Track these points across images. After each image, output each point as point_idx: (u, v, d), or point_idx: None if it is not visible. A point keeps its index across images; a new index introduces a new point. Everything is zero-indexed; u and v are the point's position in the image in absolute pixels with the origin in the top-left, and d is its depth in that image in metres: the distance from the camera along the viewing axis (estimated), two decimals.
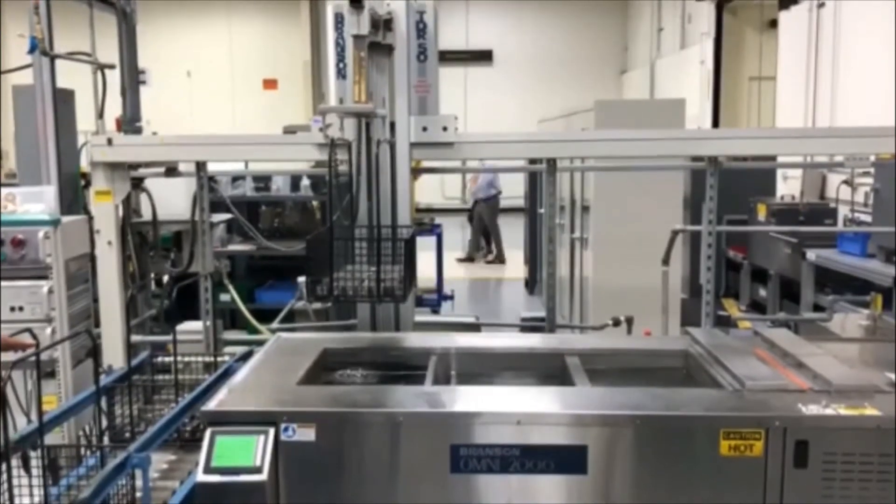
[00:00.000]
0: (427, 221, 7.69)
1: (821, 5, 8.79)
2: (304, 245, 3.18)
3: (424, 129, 3.65)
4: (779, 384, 2.48)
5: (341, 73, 3.64)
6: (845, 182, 7.28)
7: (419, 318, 4.98)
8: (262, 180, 6.73)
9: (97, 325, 4.09)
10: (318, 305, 5.64)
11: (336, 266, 3.12)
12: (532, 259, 10.00)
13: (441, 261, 7.47)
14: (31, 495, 2.37)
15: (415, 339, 3.32)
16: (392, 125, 3.60)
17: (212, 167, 4.30)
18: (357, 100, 3.24)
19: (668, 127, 5.11)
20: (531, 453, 2.28)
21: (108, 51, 4.85)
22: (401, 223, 3.58)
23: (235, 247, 6.62)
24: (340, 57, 3.62)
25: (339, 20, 3.59)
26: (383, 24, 3.40)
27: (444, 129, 3.66)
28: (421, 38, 3.64)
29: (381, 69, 3.52)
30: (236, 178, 6.67)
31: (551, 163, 3.99)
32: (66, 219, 3.97)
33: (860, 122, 6.66)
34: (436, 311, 7.13)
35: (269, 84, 18.16)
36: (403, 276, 3.15)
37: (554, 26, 17.89)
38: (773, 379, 2.53)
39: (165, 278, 5.79)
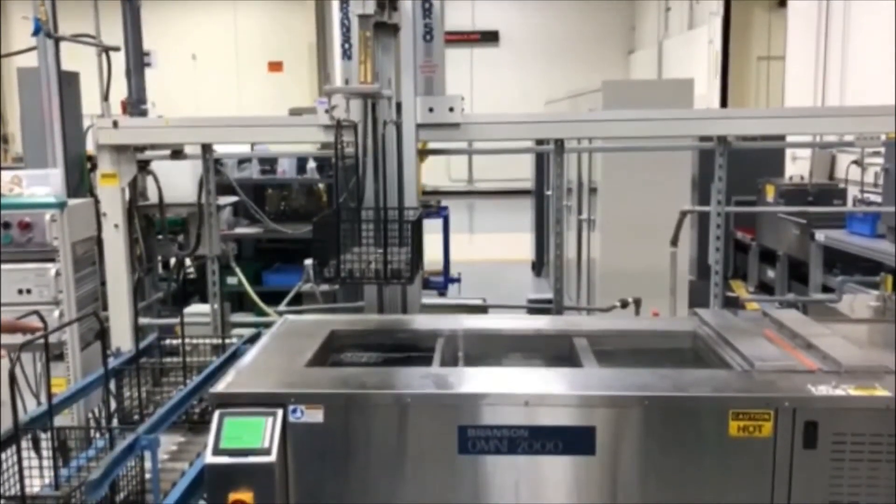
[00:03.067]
0: (434, 204, 7.67)
1: None
2: (312, 227, 3.17)
3: (431, 109, 3.63)
4: (788, 365, 2.47)
5: (347, 54, 3.62)
6: (855, 162, 7.22)
7: (426, 300, 4.98)
8: (268, 163, 6.72)
9: (105, 308, 4.10)
10: (325, 288, 5.64)
11: (343, 248, 3.11)
12: (539, 241, 9.97)
13: (448, 243, 7.45)
14: (42, 476, 2.38)
15: (422, 321, 3.31)
16: (398, 106, 3.58)
17: (218, 149, 4.29)
18: (363, 80, 3.22)
19: (676, 107, 5.07)
20: (539, 434, 2.27)
21: (113, 33, 4.83)
22: (407, 205, 3.56)
23: (242, 229, 6.63)
24: (346, 37, 3.59)
25: (343, 0, 3.56)
26: (389, 3, 3.37)
27: (451, 109, 3.64)
28: (427, 17, 3.61)
29: (386, 49, 3.50)
30: (242, 161, 6.66)
31: (559, 144, 3.96)
32: (72, 202, 3.98)
33: (870, 102, 6.60)
34: (443, 294, 7.13)
35: (275, 66, 18.06)
36: (411, 258, 3.13)
37: (560, 6, 17.73)
38: (783, 359, 2.52)
39: (172, 261, 5.80)
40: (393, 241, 3.20)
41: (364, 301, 3.73)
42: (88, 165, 4.59)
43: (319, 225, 3.14)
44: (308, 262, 6.11)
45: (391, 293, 3.66)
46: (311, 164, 6.65)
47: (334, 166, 3.35)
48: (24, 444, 2.29)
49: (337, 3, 3.61)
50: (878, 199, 6.42)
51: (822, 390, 2.27)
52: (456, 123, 3.67)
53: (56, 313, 3.77)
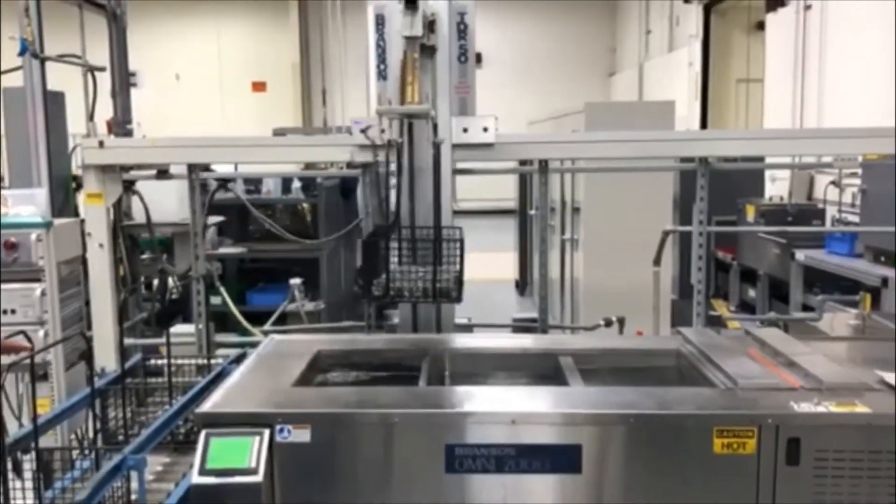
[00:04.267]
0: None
1: (807, 7, 8.85)
2: (361, 245, 3.24)
3: (465, 129, 3.64)
4: (771, 382, 2.50)
5: (382, 75, 3.63)
6: (833, 183, 7.34)
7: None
8: (253, 183, 6.73)
9: (89, 327, 4.07)
10: (310, 307, 5.65)
11: (384, 267, 3.17)
12: (522, 260, 10.01)
13: None
14: (24, 499, 2.36)
15: (408, 341, 3.33)
16: (434, 126, 3.59)
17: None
18: (411, 101, 3.26)
19: (657, 128, 5.14)
20: (526, 453, 2.28)
21: (99, 53, 4.84)
22: (443, 224, 3.57)
23: (226, 249, 6.61)
24: (381, 58, 3.61)
25: (379, 21, 3.58)
26: (428, 25, 3.41)
27: (485, 129, 3.66)
28: (462, 39, 3.65)
29: (423, 70, 3.53)
30: (227, 181, 6.66)
31: (543, 164, 4.00)
32: (58, 221, 3.96)
33: (847, 123, 6.72)
34: None
35: (258, 86, 18.12)
36: (458, 276, 3.18)
37: (542, 29, 17.95)
38: (765, 377, 2.55)
39: (155, 281, 5.78)
40: (427, 260, 3.23)
41: (398, 320, 3.73)
42: (73, 185, 4.58)
43: (368, 244, 3.19)
44: (293, 281, 6.12)
45: (425, 312, 3.64)
46: (297, 184, 6.66)
47: (387, 186, 3.39)
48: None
49: (372, 24, 3.61)
50: (856, 219, 6.52)
51: (805, 407, 2.30)
52: (490, 143, 3.70)
53: (41, 333, 3.74)
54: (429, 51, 3.49)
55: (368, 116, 3.73)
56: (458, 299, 3.25)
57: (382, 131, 3.52)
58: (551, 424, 2.32)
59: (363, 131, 3.55)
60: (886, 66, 7.16)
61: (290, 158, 4.38)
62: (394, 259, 3.33)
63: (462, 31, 3.64)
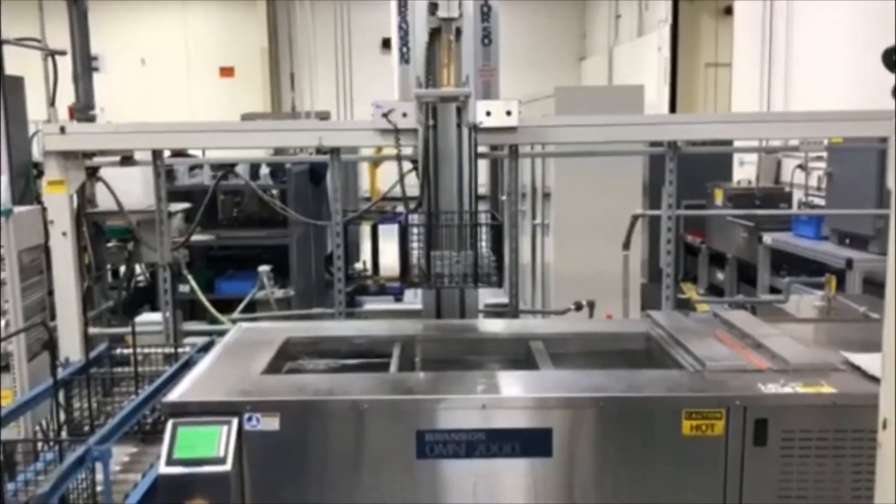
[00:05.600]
0: (389, 209, 7.66)
1: None
2: (399, 230, 3.26)
3: (488, 113, 3.59)
4: (738, 364, 2.53)
5: (404, 58, 3.57)
6: (799, 166, 7.41)
7: (382, 306, 4.96)
8: (221, 168, 6.64)
9: (53, 317, 4.00)
10: (279, 294, 5.60)
11: (423, 253, 3.18)
12: None
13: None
14: None
15: (378, 327, 3.31)
16: (458, 110, 3.52)
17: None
18: (446, 84, 3.26)
19: (627, 113, 5.15)
20: (497, 437, 2.29)
21: (60, 36, 4.73)
22: (466, 209, 3.52)
23: (194, 236, 6.52)
24: (403, 41, 3.54)
25: (402, 4, 3.52)
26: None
27: (508, 113, 3.61)
28: (485, 21, 3.59)
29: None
30: (193, 167, 6.58)
31: (513, 149, 3.99)
32: (18, 209, 3.88)
33: (813, 107, 6.78)
34: (399, 299, 7.11)
35: (226, 72, 17.85)
36: (497, 261, 3.21)
37: (512, 14, 17.84)
38: (733, 359, 2.57)
39: (122, 269, 5.69)
40: (461, 245, 3.26)
41: (422, 305, 3.69)
42: (35, 172, 4.49)
43: (406, 229, 3.20)
44: (262, 268, 6.06)
45: (449, 297, 3.58)
46: (265, 170, 6.59)
47: (422, 171, 3.36)
48: None
49: (395, 6, 3.55)
50: (822, 202, 6.60)
51: (772, 388, 2.33)
52: (513, 127, 3.66)
53: (2, 323, 3.67)
54: (455, 33, 3.44)
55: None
56: (499, 284, 3.25)
57: (405, 115, 3.48)
58: (522, 409, 2.33)
59: (385, 115, 3.49)
60: (852, 50, 7.24)
61: (265, 143, 4.29)
62: (415, 244, 3.31)
63: (485, 13, 3.59)
